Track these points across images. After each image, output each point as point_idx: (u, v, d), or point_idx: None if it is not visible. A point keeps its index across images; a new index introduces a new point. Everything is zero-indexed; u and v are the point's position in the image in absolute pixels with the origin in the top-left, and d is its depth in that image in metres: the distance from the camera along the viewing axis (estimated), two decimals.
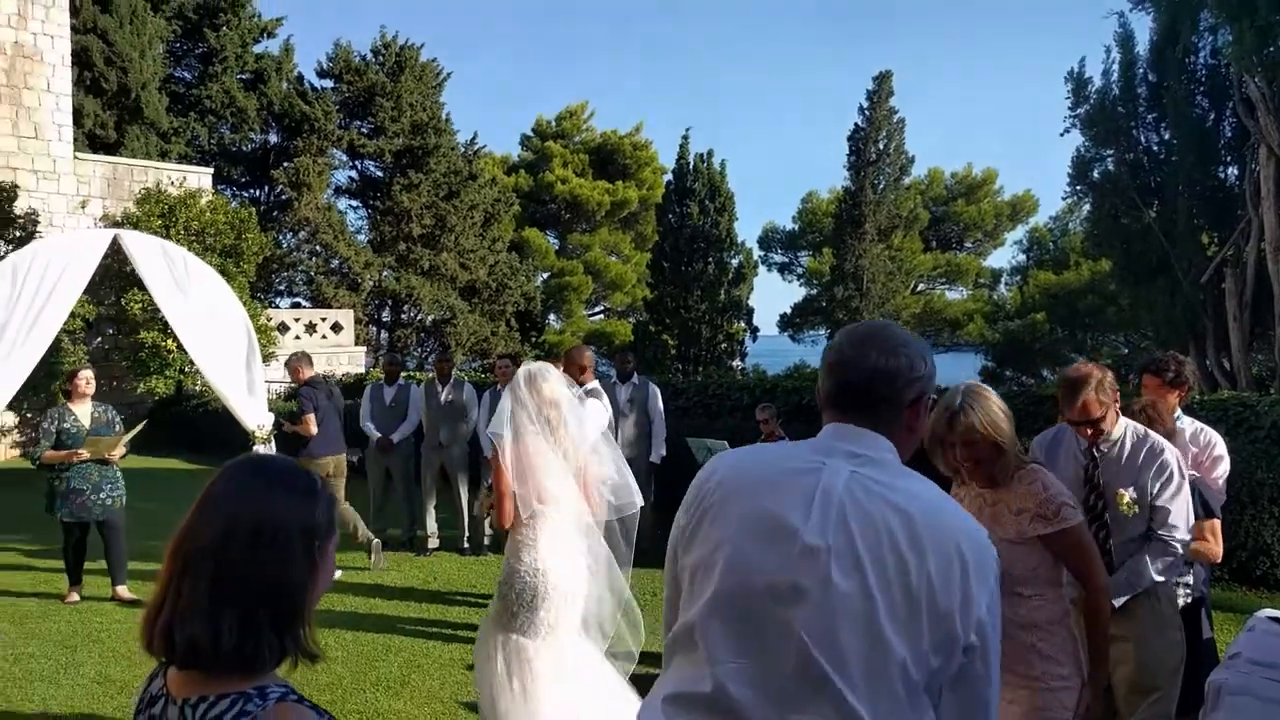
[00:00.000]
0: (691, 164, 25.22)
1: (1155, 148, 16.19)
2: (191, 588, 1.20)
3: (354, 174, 28.50)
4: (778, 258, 40.81)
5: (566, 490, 3.52)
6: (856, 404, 1.59)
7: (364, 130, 26.68)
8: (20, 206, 14.08)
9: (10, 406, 8.39)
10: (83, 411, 6.37)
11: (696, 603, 1.53)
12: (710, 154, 25.42)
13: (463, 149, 27.70)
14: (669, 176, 27.18)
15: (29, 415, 14.84)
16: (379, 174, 27.44)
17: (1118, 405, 3.23)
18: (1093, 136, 16.72)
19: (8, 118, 15.35)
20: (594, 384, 5.57)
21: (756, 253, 37.00)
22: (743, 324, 25.98)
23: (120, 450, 6.43)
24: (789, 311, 37.64)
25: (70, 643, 5.63)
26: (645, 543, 7.76)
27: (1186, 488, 3.17)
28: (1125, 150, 16.19)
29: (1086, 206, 20.78)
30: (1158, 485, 3.15)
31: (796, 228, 40.08)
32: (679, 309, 24.49)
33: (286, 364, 7.31)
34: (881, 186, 28.91)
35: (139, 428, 6.83)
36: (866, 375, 1.58)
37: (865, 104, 28.40)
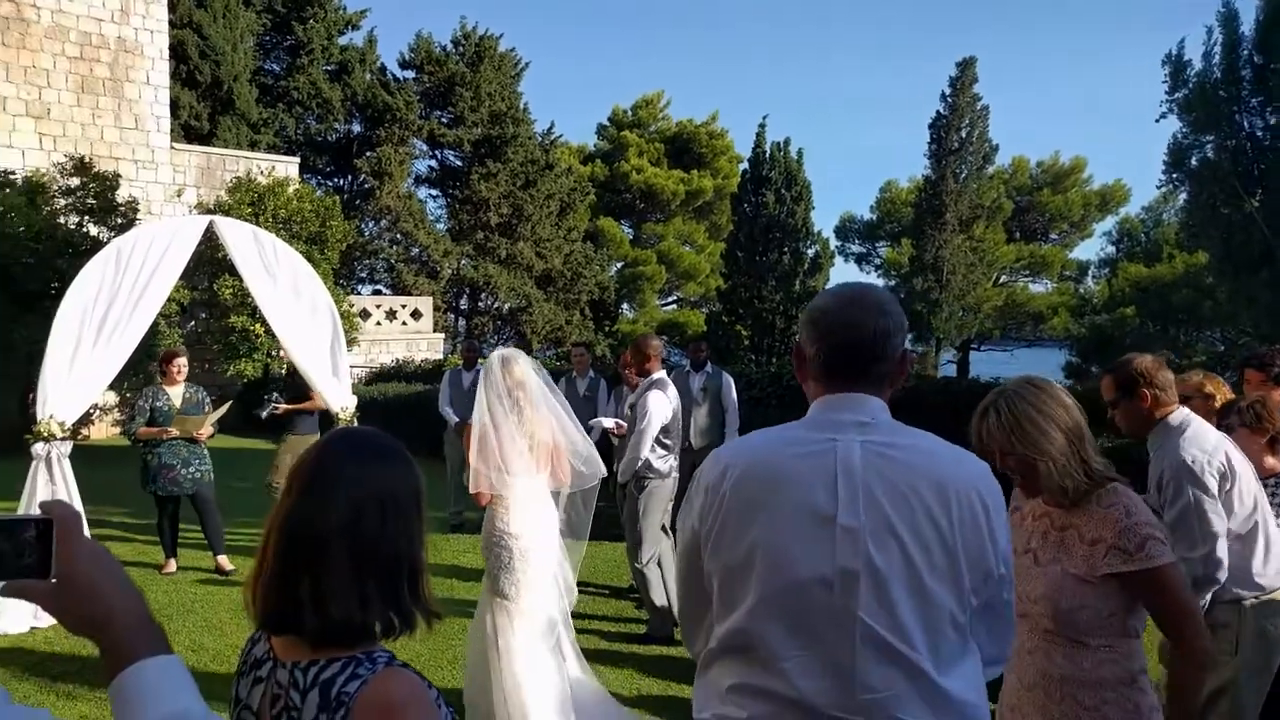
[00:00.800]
0: (768, 152, 24.97)
1: (1259, 133, 15.45)
2: (330, 569, 1.22)
3: (434, 163, 29.02)
4: (855, 248, 40.20)
5: (530, 463, 3.84)
6: (860, 369, 1.58)
7: (444, 120, 27.11)
8: (122, 195, 14.70)
9: (111, 386, 8.79)
10: (175, 393, 6.78)
11: (740, 607, 1.51)
12: (787, 142, 25.15)
13: (540, 138, 27.94)
14: (744, 165, 26.97)
15: (129, 395, 15.53)
16: (458, 163, 27.87)
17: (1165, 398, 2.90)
18: (1191, 122, 16.04)
19: (110, 110, 16.04)
20: (660, 374, 5.52)
21: (833, 243, 36.54)
22: None
23: (208, 429, 6.78)
24: None
25: (165, 612, 5.88)
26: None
27: (1196, 497, 2.74)
28: (1226, 136, 15.48)
29: (1183, 196, 19.95)
30: (1169, 492, 2.80)
31: (875, 217, 39.39)
32: (753, 299, 24.33)
33: None
34: (963, 175, 28.24)
35: (225, 408, 7.11)
36: (870, 339, 1.57)
37: (947, 91, 27.76)
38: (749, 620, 1.49)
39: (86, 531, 1.01)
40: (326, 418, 7.32)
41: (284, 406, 7.41)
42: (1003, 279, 35.57)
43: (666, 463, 5.49)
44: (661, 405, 5.35)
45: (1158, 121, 16.56)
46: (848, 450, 1.50)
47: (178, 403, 6.75)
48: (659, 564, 5.47)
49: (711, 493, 1.57)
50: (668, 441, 5.46)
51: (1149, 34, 63.39)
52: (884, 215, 38.69)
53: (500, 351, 4.00)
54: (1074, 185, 36.01)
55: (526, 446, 3.84)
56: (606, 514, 8.16)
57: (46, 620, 5.60)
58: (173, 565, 6.88)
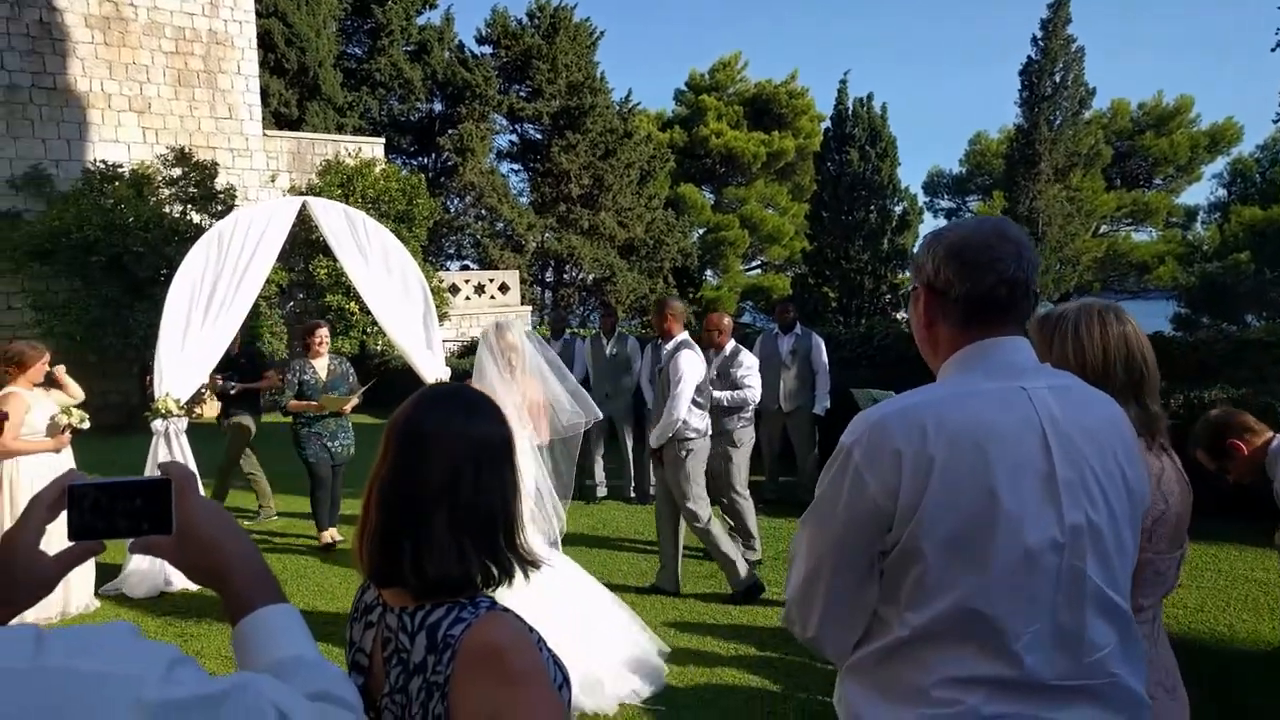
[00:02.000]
0: (850, 109, 24.36)
1: None
2: (429, 526, 1.26)
3: (514, 137, 29.25)
4: (944, 203, 39.11)
5: (523, 418, 4.29)
6: (1012, 309, 1.45)
7: (522, 94, 27.27)
8: (220, 182, 15.30)
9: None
10: (320, 365, 6.91)
11: (962, 586, 1.35)
12: (870, 98, 24.48)
13: (617, 107, 27.86)
14: (826, 124, 26.39)
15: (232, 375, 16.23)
16: (538, 136, 28.03)
17: None
18: None
19: (206, 101, 16.64)
20: (683, 335, 5.55)
21: (921, 199, 35.55)
22: (908, 274, 25.08)
23: (353, 402, 6.94)
24: None
25: (280, 578, 6.16)
26: (806, 494, 7.72)
27: None
28: None
29: None
30: None
31: (964, 171, 38.18)
32: (839, 260, 23.89)
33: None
34: (1058, 122, 27.03)
35: (369, 385, 7.36)
36: (1024, 274, 1.44)
37: (1039, 34, 26.53)
38: (981, 599, 1.34)
39: (201, 491, 1.07)
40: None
41: (239, 386, 7.67)
42: (1103, 229, 34.09)
43: (704, 421, 5.52)
44: (694, 365, 5.39)
45: (1274, 50, 15.50)
46: (1042, 398, 1.40)
47: (324, 375, 6.87)
48: (712, 520, 5.50)
49: (911, 464, 1.35)
50: (700, 400, 5.48)
51: None
52: (974, 168, 37.44)
53: (496, 320, 4.53)
54: (1179, 126, 34.14)
55: (520, 402, 4.30)
56: None
57: (175, 587, 5.93)
58: (329, 536, 6.93)
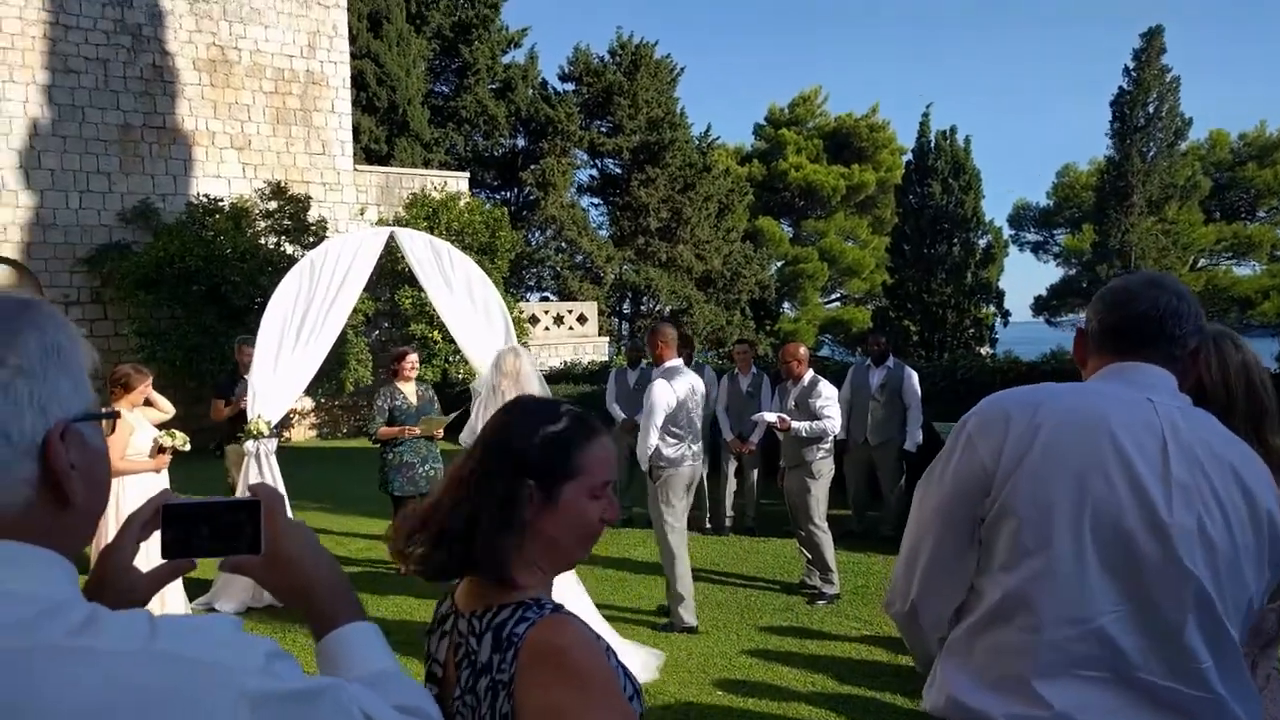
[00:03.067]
0: (933, 142, 24.09)
1: None
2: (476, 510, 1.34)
3: (594, 172, 29.69)
4: (1031, 236, 38.17)
5: None
6: (1148, 340, 1.53)
7: (603, 129, 27.70)
8: (312, 215, 15.90)
9: (306, 392, 9.49)
10: (409, 390, 6.86)
11: (1047, 551, 1.39)
12: (953, 130, 24.19)
13: (697, 142, 28.07)
14: (908, 157, 26.11)
15: (322, 400, 16.73)
16: (618, 171, 28.41)
17: None
18: None
19: (301, 138, 17.36)
20: (674, 361, 5.52)
21: (1006, 232, 34.83)
22: (992, 308, 24.53)
23: (446, 422, 6.87)
24: (1044, 294, 35.07)
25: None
26: (890, 529, 7.55)
27: None
28: None
29: None
30: None
31: (1051, 203, 37.24)
32: (921, 293, 23.51)
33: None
34: (1151, 154, 26.23)
35: (458, 412, 7.40)
36: (1160, 312, 1.52)
37: (1131, 64, 25.86)
38: (1063, 563, 1.39)
39: (289, 513, 1.11)
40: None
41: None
42: (1201, 262, 32.80)
43: (678, 450, 5.46)
44: (664, 394, 5.36)
45: None
46: (1168, 410, 1.45)
47: (414, 400, 6.79)
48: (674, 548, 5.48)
49: (1020, 428, 1.45)
50: (678, 430, 5.44)
51: None
52: (1061, 200, 36.51)
53: (502, 347, 5.13)
54: None
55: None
56: (771, 511, 8.10)
57: (263, 603, 6.11)
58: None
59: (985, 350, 24.01)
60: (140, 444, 5.40)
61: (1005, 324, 26.23)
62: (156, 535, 1.04)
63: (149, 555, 1.00)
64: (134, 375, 5.47)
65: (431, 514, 1.36)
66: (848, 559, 6.85)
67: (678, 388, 5.43)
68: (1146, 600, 1.37)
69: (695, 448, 5.61)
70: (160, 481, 5.50)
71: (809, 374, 6.31)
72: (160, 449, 5.47)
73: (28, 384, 0.82)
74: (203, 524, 1.03)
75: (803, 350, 6.43)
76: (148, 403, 5.77)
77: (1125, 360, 1.54)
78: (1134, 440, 1.41)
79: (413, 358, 7.00)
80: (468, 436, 5.12)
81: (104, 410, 0.92)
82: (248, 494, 1.07)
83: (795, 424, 6.10)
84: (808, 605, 5.99)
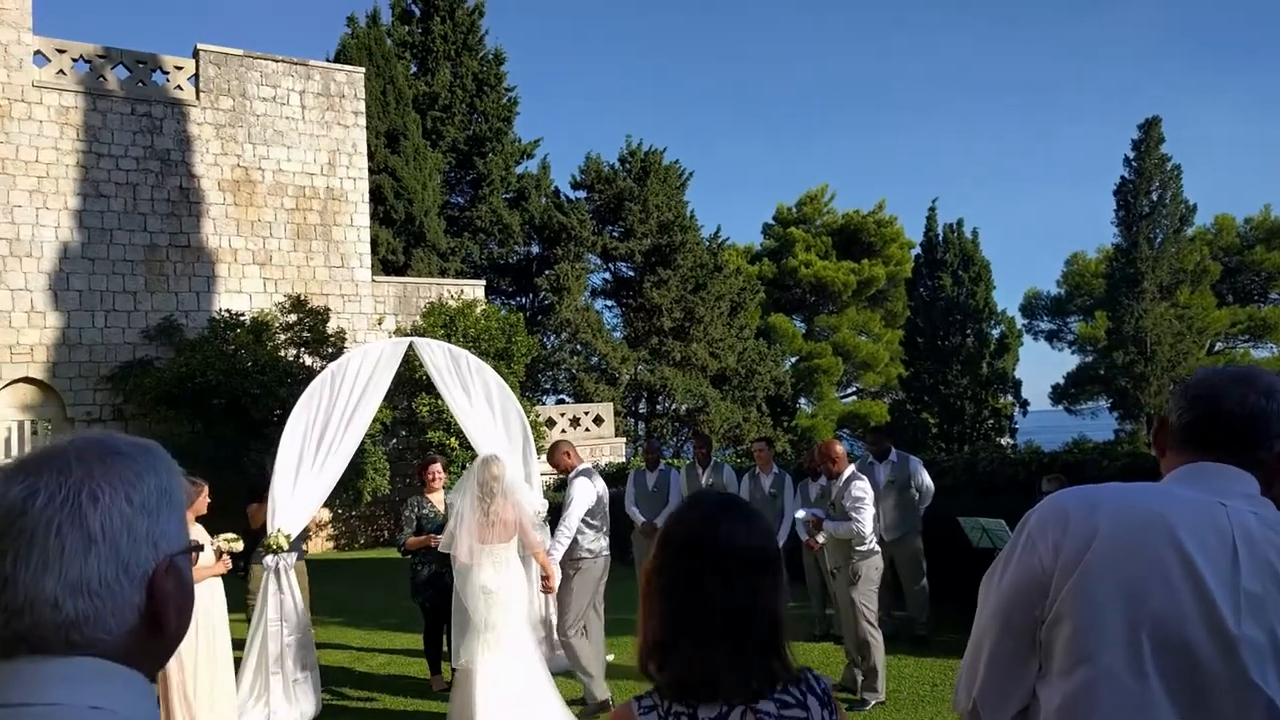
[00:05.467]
0: (940, 235, 24.46)
1: None
2: (733, 632, 1.39)
3: (608, 275, 30.18)
4: (1044, 325, 38.26)
5: (500, 534, 5.28)
6: (1229, 442, 1.47)
7: (615, 234, 28.30)
8: (331, 327, 16.17)
9: (324, 502, 9.48)
10: (436, 499, 6.84)
11: (1105, 655, 1.33)
12: (960, 223, 24.61)
13: (707, 243, 28.59)
14: (917, 250, 26.46)
15: (340, 511, 16.67)
16: (630, 273, 28.88)
17: None
18: None
19: (321, 252, 17.80)
20: (583, 465, 6.24)
21: (1020, 321, 34.92)
22: (1010, 397, 24.41)
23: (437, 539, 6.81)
24: (1062, 382, 34.88)
25: None
26: (923, 629, 7.36)
27: None
28: None
29: None
30: None
31: (1063, 292, 37.44)
32: (938, 385, 23.48)
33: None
34: (1159, 240, 26.48)
35: None
36: (1246, 412, 1.47)
37: (1131, 154, 26.37)
38: (1118, 673, 1.33)
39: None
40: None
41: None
42: (1218, 346, 32.66)
43: (596, 543, 6.04)
44: (585, 491, 5.95)
45: None
46: (1241, 516, 1.38)
47: (441, 508, 6.73)
48: (585, 636, 5.96)
49: (1078, 527, 1.39)
50: (595, 523, 6.02)
51: None
52: (1073, 288, 36.73)
53: (483, 454, 5.57)
54: None
55: (494, 523, 5.25)
56: (794, 613, 7.92)
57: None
58: (441, 680, 6.61)
59: (1005, 440, 23.79)
60: (204, 555, 5.53)
61: (1024, 413, 26.07)
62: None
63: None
64: (190, 488, 5.57)
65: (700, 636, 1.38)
66: None
67: (596, 485, 6.07)
68: (1207, 710, 1.30)
69: (606, 540, 6.16)
70: (213, 585, 5.61)
71: (848, 470, 6.16)
72: (220, 553, 5.62)
73: (146, 522, 0.91)
74: None
75: (838, 448, 6.25)
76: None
77: (1205, 460, 1.48)
78: (1200, 545, 1.34)
79: (436, 467, 6.99)
80: (448, 542, 5.46)
81: (193, 542, 1.01)
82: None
83: (828, 524, 6.01)
84: (848, 710, 5.79)
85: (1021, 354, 28.01)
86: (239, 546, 5.66)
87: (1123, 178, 26.49)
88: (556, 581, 5.88)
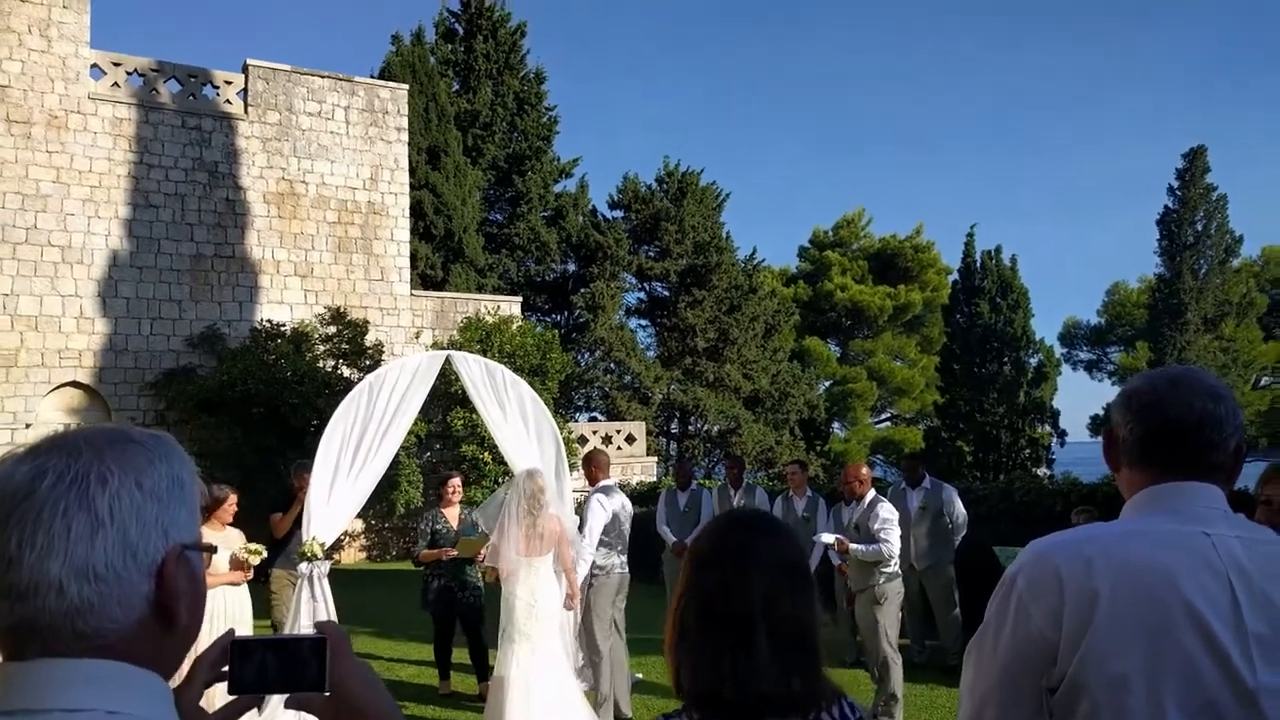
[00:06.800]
0: (978, 261, 24.24)
1: None
2: (755, 644, 1.35)
3: (643, 295, 30.27)
4: (1083, 355, 37.76)
5: (539, 547, 5.42)
6: (1187, 456, 1.40)
7: (651, 254, 28.40)
8: (369, 339, 16.37)
9: (358, 513, 9.55)
10: (451, 514, 7.09)
11: None
12: (998, 250, 24.35)
13: (742, 264, 28.60)
14: (954, 276, 26.24)
15: (373, 522, 16.81)
16: (665, 293, 28.94)
17: None
18: None
19: (361, 265, 18.06)
20: (606, 481, 6.42)
21: (1058, 350, 34.45)
22: (1047, 427, 24.03)
23: (484, 551, 6.96)
24: (1101, 413, 34.31)
25: None
26: (955, 659, 7.25)
27: None
28: None
29: None
30: None
31: (1103, 321, 36.92)
32: (973, 413, 23.19)
33: None
34: (1203, 271, 26.09)
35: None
36: (1195, 419, 1.40)
37: (1175, 183, 26.01)
38: None
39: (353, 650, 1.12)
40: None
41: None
42: (1264, 380, 31.97)
43: (609, 559, 6.19)
44: (599, 512, 6.15)
45: None
46: (1228, 545, 1.33)
47: (454, 524, 7.02)
48: (601, 656, 6.03)
49: (1076, 591, 1.31)
50: (608, 539, 6.18)
51: None
52: (1113, 318, 36.20)
53: (526, 468, 5.72)
54: None
55: (538, 536, 5.40)
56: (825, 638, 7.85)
57: None
58: (447, 686, 6.99)
59: (1042, 471, 23.41)
60: (219, 563, 5.65)
61: (1062, 444, 25.65)
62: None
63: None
64: (216, 495, 5.74)
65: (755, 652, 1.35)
66: (909, 690, 6.55)
67: (609, 503, 6.22)
68: None
69: (622, 558, 6.32)
70: (239, 594, 5.69)
71: (870, 494, 6.20)
72: (239, 563, 5.74)
73: (155, 508, 0.88)
74: (270, 660, 1.03)
75: (864, 470, 6.36)
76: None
77: (1165, 480, 1.41)
78: (1202, 593, 1.28)
79: (455, 482, 7.19)
80: (493, 556, 5.64)
81: (205, 543, 0.98)
82: (313, 629, 1.08)
83: (854, 547, 5.99)
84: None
85: (1060, 384, 27.62)
86: (257, 560, 5.76)
87: (1166, 207, 26.16)
88: (578, 601, 5.99)
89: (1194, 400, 1.41)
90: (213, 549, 1.35)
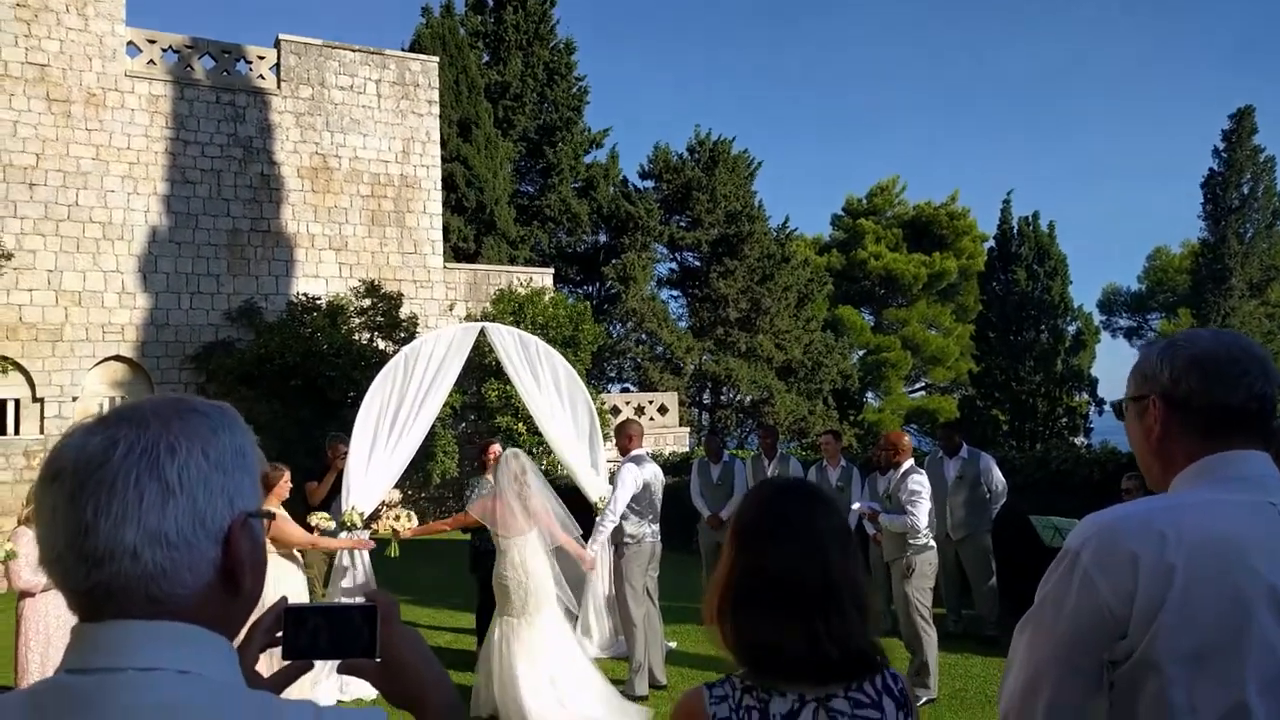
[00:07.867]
0: (1015, 228, 23.86)
1: None
2: (837, 607, 1.41)
3: (674, 265, 30.19)
4: (1123, 322, 37.13)
5: (527, 524, 5.57)
6: (1255, 426, 1.39)
7: (682, 224, 28.28)
8: (403, 312, 16.52)
9: (395, 485, 9.73)
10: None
11: (1212, 706, 1.26)
12: (1035, 216, 23.95)
13: (775, 233, 28.39)
14: (990, 244, 25.87)
15: (409, 493, 17.04)
16: (697, 263, 28.84)
17: None
18: None
19: (394, 238, 18.19)
20: (638, 451, 6.40)
21: (1097, 318, 33.93)
22: (1085, 396, 23.72)
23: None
24: None
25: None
26: (992, 629, 7.24)
27: None
28: None
29: None
30: None
31: (1144, 288, 36.27)
32: (1009, 382, 22.95)
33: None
34: (1249, 235, 25.47)
35: None
36: (1259, 399, 1.39)
37: (1221, 145, 25.36)
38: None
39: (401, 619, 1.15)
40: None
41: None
42: None
43: (640, 528, 6.21)
44: (629, 478, 6.19)
45: None
46: None
47: None
48: (636, 625, 6.07)
49: (1151, 570, 1.28)
50: (638, 509, 6.20)
51: None
52: (1154, 284, 35.53)
53: (509, 451, 5.88)
54: None
55: (527, 512, 5.57)
56: None
57: (350, 694, 6.17)
58: None
59: (1080, 440, 23.15)
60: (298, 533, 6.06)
61: (1100, 412, 25.32)
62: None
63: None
64: (271, 474, 5.78)
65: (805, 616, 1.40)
66: (945, 660, 6.57)
67: (641, 472, 6.27)
68: None
69: (654, 527, 6.34)
70: (289, 569, 5.81)
71: (907, 463, 6.08)
72: (318, 530, 6.20)
73: (221, 477, 0.91)
74: (322, 627, 1.07)
75: (905, 440, 6.23)
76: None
77: (1219, 449, 1.39)
78: (1272, 563, 1.27)
79: (494, 448, 7.13)
80: (493, 521, 5.82)
81: (266, 510, 1.02)
82: (361, 598, 1.11)
83: (883, 517, 5.98)
84: None
85: (1099, 351, 27.22)
86: (331, 525, 6.17)
87: (1211, 170, 25.52)
88: (591, 564, 6.37)
89: (1268, 368, 1.41)
90: (272, 515, 1.39)
